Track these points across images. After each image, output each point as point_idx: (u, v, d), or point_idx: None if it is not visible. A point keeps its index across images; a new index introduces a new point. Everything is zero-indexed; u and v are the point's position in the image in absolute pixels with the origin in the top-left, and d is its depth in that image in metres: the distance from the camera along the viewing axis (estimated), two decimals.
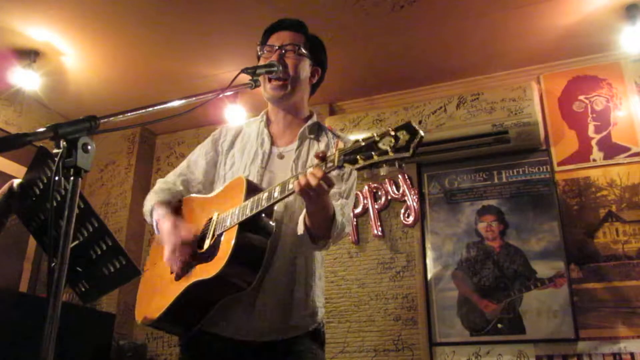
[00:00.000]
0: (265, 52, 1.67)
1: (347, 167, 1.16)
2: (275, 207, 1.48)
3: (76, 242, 1.81)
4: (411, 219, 3.57)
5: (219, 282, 1.37)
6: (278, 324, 1.47)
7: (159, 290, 1.56)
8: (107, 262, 1.83)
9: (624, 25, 3.10)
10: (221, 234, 1.43)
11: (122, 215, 4.21)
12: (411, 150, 1.06)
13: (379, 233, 3.62)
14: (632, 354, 2.91)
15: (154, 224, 1.62)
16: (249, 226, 1.39)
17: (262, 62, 1.65)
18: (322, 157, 1.23)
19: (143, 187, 4.41)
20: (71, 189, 1.00)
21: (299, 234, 1.43)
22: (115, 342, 3.56)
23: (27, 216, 2.04)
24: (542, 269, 3.19)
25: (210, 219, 1.50)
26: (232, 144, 1.74)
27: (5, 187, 2.10)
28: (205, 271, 1.38)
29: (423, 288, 3.41)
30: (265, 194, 1.37)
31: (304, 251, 1.54)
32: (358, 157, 1.13)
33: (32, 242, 3.78)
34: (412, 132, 1.08)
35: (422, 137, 1.07)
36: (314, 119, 1.72)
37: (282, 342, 1.47)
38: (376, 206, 3.67)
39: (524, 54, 3.49)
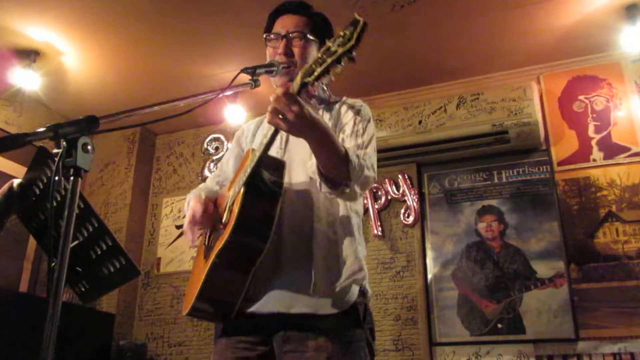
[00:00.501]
0: (271, 40, 1.66)
1: (308, 80, 1.18)
2: (300, 179, 1.50)
3: (76, 242, 1.81)
4: (411, 219, 3.57)
5: (234, 247, 1.37)
6: (325, 288, 1.43)
7: (194, 278, 1.58)
8: (107, 262, 1.83)
9: (624, 25, 3.11)
10: (233, 203, 1.44)
11: (122, 215, 4.21)
12: (355, 38, 1.10)
13: (379, 233, 3.62)
14: (632, 354, 2.91)
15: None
16: (254, 185, 1.39)
17: (268, 50, 1.66)
18: (285, 86, 1.26)
19: (143, 187, 4.42)
20: (71, 189, 1.00)
21: (318, 187, 1.41)
22: (115, 342, 3.56)
23: (27, 216, 2.04)
24: (542, 269, 3.19)
25: (228, 198, 1.53)
26: (253, 137, 1.75)
27: (5, 187, 2.10)
28: (222, 240, 1.40)
29: (423, 288, 3.41)
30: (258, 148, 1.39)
31: (339, 216, 1.52)
32: (314, 67, 1.16)
33: (32, 242, 3.78)
34: (355, 23, 1.13)
35: (364, 24, 1.12)
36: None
37: (318, 320, 1.41)
38: (376, 206, 3.68)
39: (524, 54, 3.49)
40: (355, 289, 1.48)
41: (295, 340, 1.41)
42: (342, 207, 1.53)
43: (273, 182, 1.42)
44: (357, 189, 1.41)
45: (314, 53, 1.65)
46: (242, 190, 1.38)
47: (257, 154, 1.38)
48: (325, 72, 1.14)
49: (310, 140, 1.32)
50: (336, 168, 1.35)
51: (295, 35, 1.62)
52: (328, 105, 1.68)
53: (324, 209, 1.51)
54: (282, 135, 1.62)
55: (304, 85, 1.19)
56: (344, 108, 1.62)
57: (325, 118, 1.62)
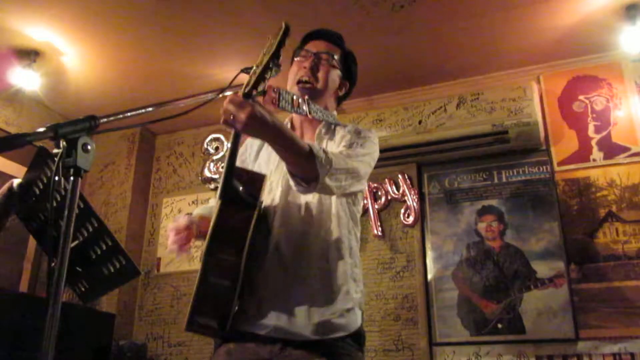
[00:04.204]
0: (300, 56, 1.70)
1: (247, 90, 1.23)
2: (298, 200, 1.51)
3: (76, 242, 1.81)
4: (411, 219, 3.57)
5: (210, 260, 1.37)
6: (318, 317, 1.45)
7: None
8: (107, 262, 1.82)
9: (624, 25, 3.10)
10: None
11: (122, 215, 4.21)
12: (275, 45, 1.18)
13: (379, 233, 3.62)
14: (632, 354, 2.91)
15: None
16: (228, 201, 1.38)
17: (294, 66, 1.69)
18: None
19: (143, 187, 4.42)
20: (71, 189, 1.00)
21: (292, 187, 1.42)
22: (115, 342, 3.56)
23: (27, 216, 2.04)
24: (542, 269, 3.19)
25: None
26: (257, 155, 1.75)
27: (5, 187, 2.10)
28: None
29: (423, 288, 3.41)
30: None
31: (336, 242, 1.53)
32: (250, 78, 1.23)
33: (32, 242, 3.78)
34: (279, 30, 1.19)
35: (286, 28, 1.19)
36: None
37: (319, 343, 1.44)
38: (376, 206, 3.68)
39: (524, 54, 3.49)
40: (358, 314, 1.51)
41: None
42: (337, 230, 1.54)
43: (248, 194, 1.41)
44: (330, 182, 1.38)
45: (336, 80, 1.69)
46: (218, 204, 1.38)
47: (225, 165, 1.37)
48: (261, 80, 1.21)
49: (268, 140, 1.34)
50: (301, 165, 1.35)
51: (324, 57, 1.67)
52: (333, 130, 1.69)
53: (320, 233, 1.52)
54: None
55: (246, 95, 1.23)
56: (349, 129, 1.63)
57: (331, 148, 1.60)
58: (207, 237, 1.36)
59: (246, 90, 1.22)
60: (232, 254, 1.39)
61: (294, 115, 1.73)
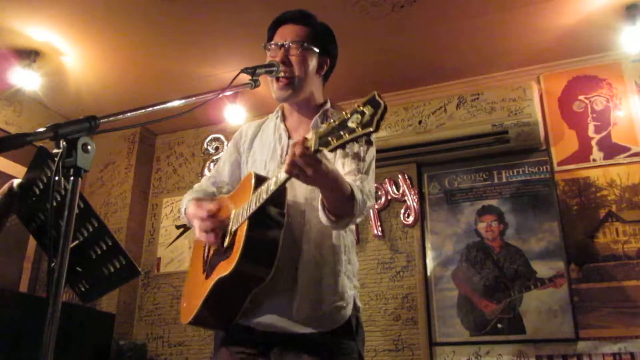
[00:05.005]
0: (270, 50, 1.66)
1: (323, 150, 1.17)
2: (297, 198, 1.53)
3: (76, 242, 1.81)
4: (411, 219, 3.57)
5: (237, 277, 1.40)
6: (309, 312, 1.48)
7: (194, 290, 1.61)
8: (107, 262, 1.83)
9: (624, 25, 3.10)
10: (236, 230, 1.46)
11: (122, 215, 4.21)
12: (374, 125, 1.07)
13: (379, 233, 3.62)
14: (632, 354, 2.91)
15: (184, 214, 1.70)
16: (258, 220, 1.41)
17: (268, 60, 1.65)
18: (303, 142, 1.24)
19: (143, 187, 4.42)
20: (71, 189, 1.00)
21: (322, 221, 1.44)
22: (115, 342, 3.56)
23: (27, 216, 2.04)
24: (542, 269, 3.19)
25: (229, 216, 1.54)
26: (252, 144, 1.76)
27: (5, 187, 2.10)
28: (225, 268, 1.43)
29: (423, 288, 3.41)
30: (265, 186, 1.39)
31: (330, 238, 1.55)
32: (330, 138, 1.14)
33: (32, 242, 3.78)
34: (376, 105, 1.08)
35: (384, 108, 1.08)
36: (326, 106, 1.71)
37: (314, 336, 1.47)
38: (376, 206, 3.68)
39: (524, 54, 3.49)
40: (348, 307, 1.53)
41: (291, 353, 1.47)
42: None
43: (277, 214, 1.45)
44: (358, 218, 1.46)
45: (313, 62, 1.65)
46: (247, 222, 1.41)
47: (264, 195, 1.37)
48: (341, 147, 1.13)
49: (322, 188, 1.36)
50: (342, 206, 1.39)
51: (294, 45, 1.62)
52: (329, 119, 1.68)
53: (315, 228, 1.53)
54: (282, 146, 1.65)
55: (317, 152, 1.19)
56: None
57: None
58: (238, 254, 1.38)
59: (319, 148, 1.17)
60: (260, 270, 1.42)
61: (285, 104, 1.74)
